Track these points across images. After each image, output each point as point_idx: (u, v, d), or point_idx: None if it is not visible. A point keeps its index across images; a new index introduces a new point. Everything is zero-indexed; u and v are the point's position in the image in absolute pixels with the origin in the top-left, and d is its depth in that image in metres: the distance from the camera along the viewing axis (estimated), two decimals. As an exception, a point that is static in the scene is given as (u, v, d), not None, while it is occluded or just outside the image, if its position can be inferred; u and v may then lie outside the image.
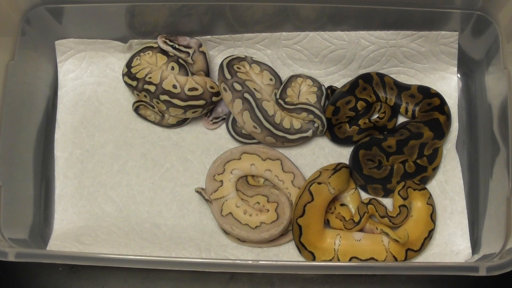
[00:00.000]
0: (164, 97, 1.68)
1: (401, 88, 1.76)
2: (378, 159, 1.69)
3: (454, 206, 1.70)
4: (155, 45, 1.74)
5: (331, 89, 1.78)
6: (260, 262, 1.49)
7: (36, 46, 1.73)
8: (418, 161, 1.70)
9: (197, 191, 1.68)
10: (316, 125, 1.71)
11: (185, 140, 1.78)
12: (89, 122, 1.78)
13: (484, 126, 1.69)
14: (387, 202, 1.70)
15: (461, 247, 1.66)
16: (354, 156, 1.70)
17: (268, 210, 1.65)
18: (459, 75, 1.79)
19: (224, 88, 1.70)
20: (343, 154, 1.76)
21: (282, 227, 1.63)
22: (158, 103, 1.70)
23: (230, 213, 1.65)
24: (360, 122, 1.74)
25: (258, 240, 1.63)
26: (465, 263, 1.59)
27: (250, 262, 1.51)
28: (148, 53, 1.74)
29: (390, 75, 1.77)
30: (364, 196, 1.73)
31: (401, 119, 1.79)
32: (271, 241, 1.66)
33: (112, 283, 1.67)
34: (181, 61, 1.75)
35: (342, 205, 1.68)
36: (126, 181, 1.74)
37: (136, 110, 1.77)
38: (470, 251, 1.65)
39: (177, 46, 1.72)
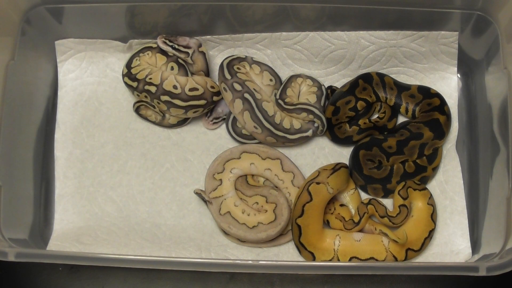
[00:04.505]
0: (165, 98, 1.68)
1: (401, 88, 1.76)
2: (378, 159, 1.69)
3: (454, 206, 1.69)
4: (155, 45, 1.74)
5: (331, 89, 1.78)
6: (260, 262, 1.49)
7: (36, 46, 1.73)
8: (418, 161, 1.70)
9: (196, 193, 1.68)
10: (316, 125, 1.71)
11: (185, 140, 1.78)
12: (89, 122, 1.78)
13: (484, 126, 1.69)
14: (387, 202, 1.70)
15: (461, 247, 1.66)
16: (354, 156, 1.70)
17: (266, 211, 1.65)
18: (459, 75, 1.79)
19: (224, 88, 1.70)
20: (343, 154, 1.76)
21: (279, 228, 1.63)
22: (159, 103, 1.70)
23: (228, 212, 1.65)
24: (360, 122, 1.74)
25: (255, 240, 1.64)
26: (465, 263, 1.59)
27: (250, 262, 1.51)
28: (148, 54, 1.74)
29: (390, 75, 1.77)
30: (364, 196, 1.73)
31: (401, 119, 1.79)
32: (271, 241, 1.66)
33: (112, 283, 1.67)
34: (180, 61, 1.75)
35: (341, 205, 1.68)
36: (126, 181, 1.74)
37: (137, 110, 1.77)
38: (470, 251, 1.64)
39: (176, 46, 1.72)
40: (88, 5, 1.66)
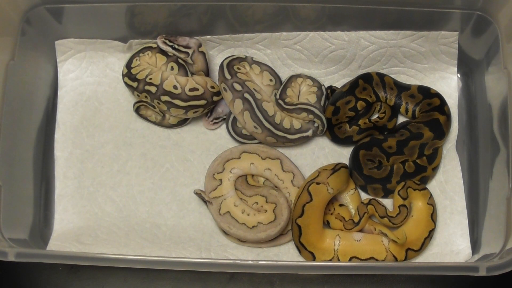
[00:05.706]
0: (165, 98, 1.68)
1: (401, 88, 1.76)
2: (378, 159, 1.69)
3: (454, 206, 1.69)
4: (154, 45, 1.74)
5: (331, 89, 1.78)
6: (260, 262, 1.49)
7: (36, 46, 1.73)
8: (417, 161, 1.70)
9: (196, 193, 1.68)
10: (316, 125, 1.71)
11: (185, 140, 1.78)
12: (89, 122, 1.78)
13: (484, 126, 1.69)
14: (387, 202, 1.70)
15: (461, 247, 1.66)
16: (354, 156, 1.70)
17: (266, 211, 1.65)
18: (459, 75, 1.79)
19: (224, 88, 1.70)
20: (343, 154, 1.76)
21: (279, 228, 1.63)
22: (159, 103, 1.70)
23: (228, 212, 1.65)
24: (360, 122, 1.74)
25: (255, 240, 1.63)
26: (465, 263, 1.59)
27: (250, 262, 1.51)
28: (148, 54, 1.74)
29: (390, 75, 1.77)
30: (364, 196, 1.73)
31: (401, 119, 1.79)
32: (271, 241, 1.66)
33: (112, 283, 1.67)
34: (180, 61, 1.75)
35: (341, 205, 1.68)
36: (126, 181, 1.74)
37: (137, 110, 1.77)
38: (470, 251, 1.64)
39: (176, 46, 1.72)
40: (88, 5, 1.66)
